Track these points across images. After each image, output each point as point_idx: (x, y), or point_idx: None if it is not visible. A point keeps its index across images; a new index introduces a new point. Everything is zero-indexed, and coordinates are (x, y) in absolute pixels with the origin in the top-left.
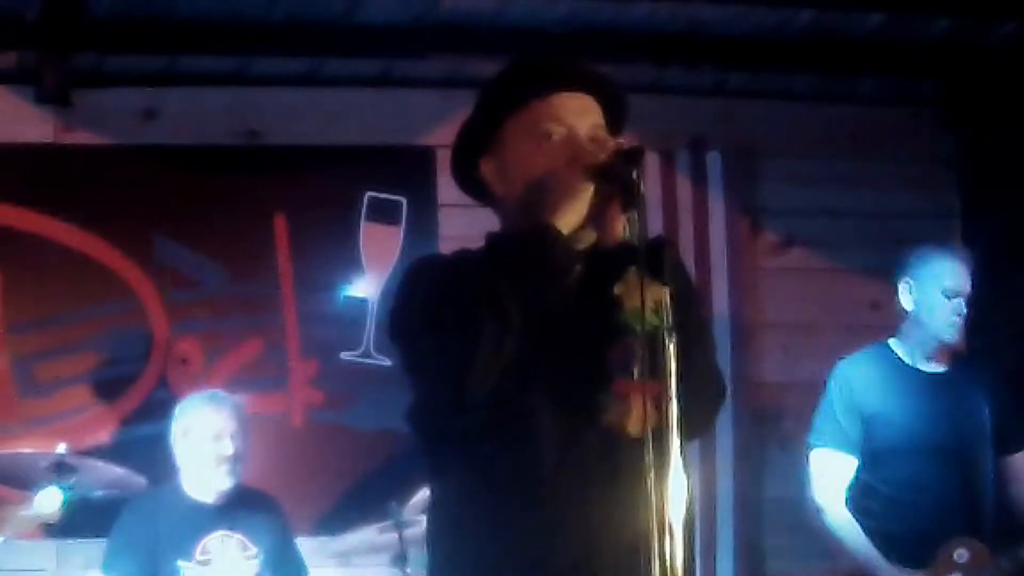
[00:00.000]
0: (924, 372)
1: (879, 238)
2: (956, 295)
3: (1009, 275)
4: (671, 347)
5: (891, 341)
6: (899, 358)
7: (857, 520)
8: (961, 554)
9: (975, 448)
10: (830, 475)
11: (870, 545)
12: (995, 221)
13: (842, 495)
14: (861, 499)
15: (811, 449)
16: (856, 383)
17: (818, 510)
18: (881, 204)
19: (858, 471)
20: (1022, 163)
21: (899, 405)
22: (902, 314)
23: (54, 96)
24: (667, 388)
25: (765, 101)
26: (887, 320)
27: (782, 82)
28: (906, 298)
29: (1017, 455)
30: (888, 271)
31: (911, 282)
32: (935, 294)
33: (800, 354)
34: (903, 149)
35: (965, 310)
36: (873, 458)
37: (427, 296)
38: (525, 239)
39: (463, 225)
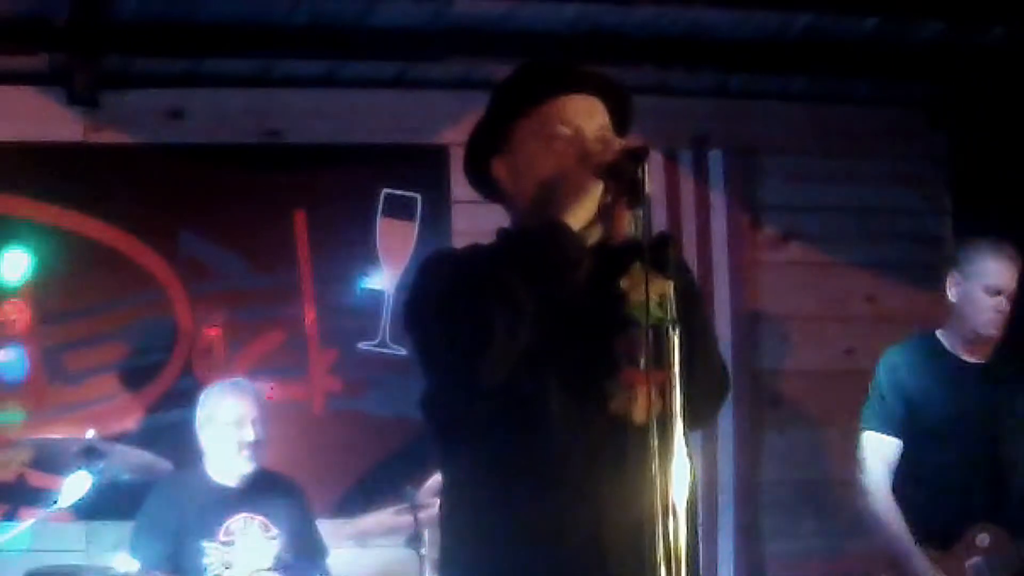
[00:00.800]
0: (965, 362)
1: (873, 233)
2: (997, 292)
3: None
4: (675, 338)
5: (938, 332)
6: (943, 347)
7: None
8: (983, 538)
9: (1007, 438)
10: (876, 457)
11: (907, 533)
12: (984, 217)
13: (888, 478)
14: (895, 480)
15: (862, 433)
16: (901, 367)
17: (864, 492)
18: (875, 200)
19: (900, 452)
20: (1010, 161)
21: (937, 392)
22: (948, 305)
23: (83, 97)
24: (671, 378)
25: (764, 102)
26: (881, 311)
27: (780, 84)
28: (951, 291)
29: None
30: (882, 264)
31: (957, 276)
32: (977, 290)
33: (798, 344)
34: (896, 148)
35: (1007, 306)
36: (913, 440)
37: (441, 288)
38: (537, 235)
39: (475, 221)
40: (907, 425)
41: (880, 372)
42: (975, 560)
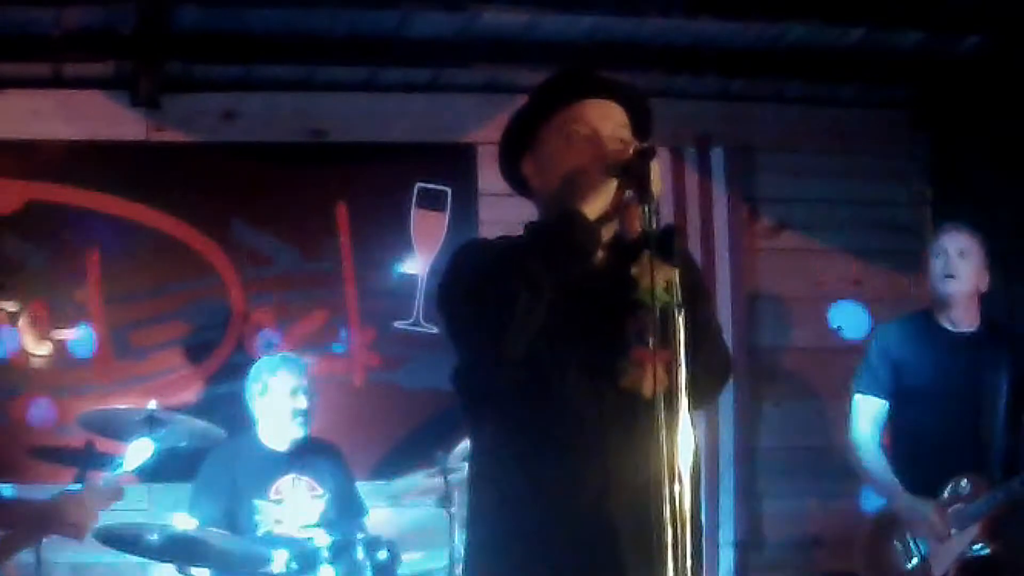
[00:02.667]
0: (952, 332)
1: (860, 223)
2: (943, 252)
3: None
4: (680, 320)
5: (930, 310)
6: (933, 320)
7: (884, 455)
8: (965, 486)
9: (988, 399)
10: (864, 415)
11: (894, 479)
12: (961, 208)
13: (874, 432)
14: (888, 436)
15: (853, 395)
16: (891, 336)
17: (853, 447)
18: (862, 193)
19: (889, 412)
20: (984, 157)
21: (925, 356)
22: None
23: (146, 100)
24: (676, 356)
25: (761, 104)
26: (867, 294)
27: (776, 88)
28: (926, 272)
29: None
30: (868, 251)
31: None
32: (930, 259)
33: (791, 323)
34: (881, 146)
35: (955, 264)
36: (900, 400)
37: (470, 273)
38: (555, 223)
39: (500, 212)
40: (893, 388)
41: (872, 342)
42: (957, 506)
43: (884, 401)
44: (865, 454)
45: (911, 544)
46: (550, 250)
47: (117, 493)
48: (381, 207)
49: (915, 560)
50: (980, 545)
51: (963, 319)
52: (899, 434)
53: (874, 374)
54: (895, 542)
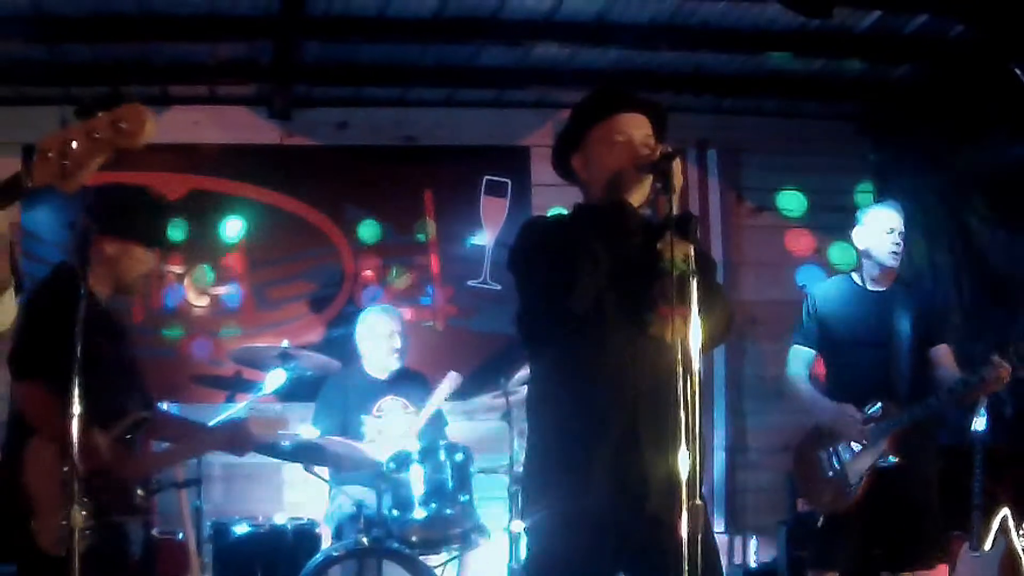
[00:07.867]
0: (869, 291)
1: (819, 207)
2: (892, 231)
3: (906, 229)
4: (694, 284)
5: (852, 273)
6: (854, 281)
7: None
8: (877, 408)
9: (898, 343)
10: (798, 361)
11: (822, 397)
12: (895, 195)
13: (804, 373)
14: (824, 380)
15: (791, 345)
16: (820, 297)
17: (789, 381)
18: (821, 184)
19: (824, 359)
20: (913, 157)
21: (848, 311)
22: (857, 251)
23: (280, 114)
24: (691, 311)
25: (746, 116)
26: (823, 261)
27: (757, 104)
28: (859, 239)
29: (938, 347)
30: (825, 228)
31: (862, 227)
32: (879, 232)
33: (767, 283)
34: (835, 148)
35: (901, 241)
36: (830, 350)
37: (534, 243)
38: (608, 210)
39: (548, 199)
40: (823, 340)
41: (806, 301)
42: (871, 424)
43: (812, 350)
44: (798, 384)
45: (832, 457)
46: (603, 230)
47: (281, 423)
48: (458, 194)
49: (834, 470)
50: (888, 457)
51: (882, 280)
52: (829, 377)
53: (806, 327)
54: (820, 453)
